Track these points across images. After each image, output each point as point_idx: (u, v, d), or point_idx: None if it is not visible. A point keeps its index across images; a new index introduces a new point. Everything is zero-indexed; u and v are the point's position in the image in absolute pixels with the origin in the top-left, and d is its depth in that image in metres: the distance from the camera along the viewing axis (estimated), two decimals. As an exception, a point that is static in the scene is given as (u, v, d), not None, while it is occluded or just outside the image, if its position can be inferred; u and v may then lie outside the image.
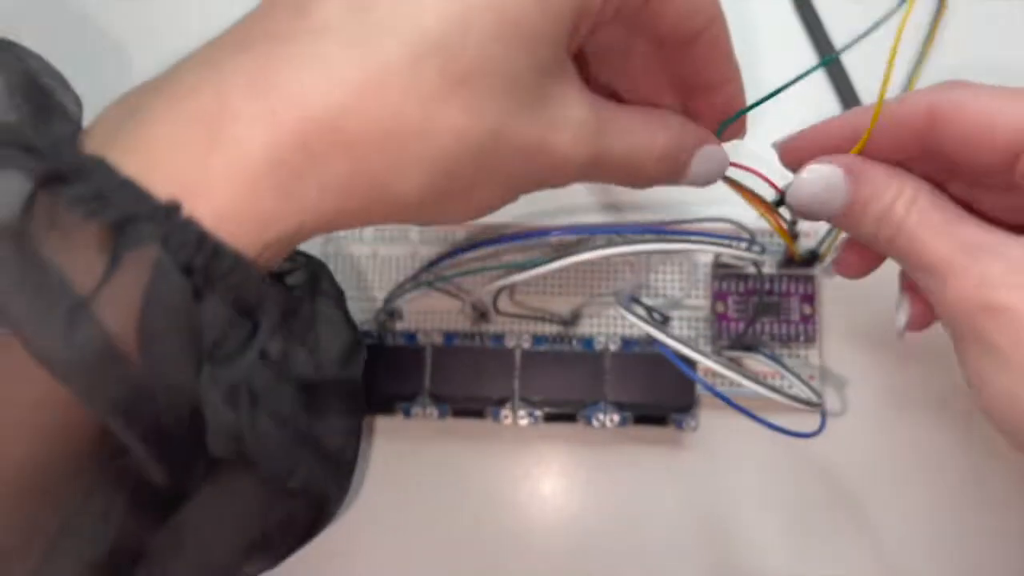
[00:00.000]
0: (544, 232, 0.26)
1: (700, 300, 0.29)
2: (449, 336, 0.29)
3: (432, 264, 0.28)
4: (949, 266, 0.20)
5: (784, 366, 0.27)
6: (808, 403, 0.24)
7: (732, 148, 0.23)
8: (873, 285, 0.29)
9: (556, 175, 0.21)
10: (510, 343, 0.29)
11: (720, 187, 0.26)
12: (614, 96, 0.24)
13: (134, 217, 0.16)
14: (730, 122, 0.23)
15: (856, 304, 0.29)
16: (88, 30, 0.32)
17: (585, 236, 0.28)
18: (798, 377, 0.26)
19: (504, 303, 0.29)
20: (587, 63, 0.23)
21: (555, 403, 0.28)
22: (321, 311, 0.24)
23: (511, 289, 0.29)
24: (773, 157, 0.23)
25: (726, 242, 0.26)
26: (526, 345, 0.29)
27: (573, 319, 0.29)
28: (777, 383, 0.27)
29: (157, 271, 0.16)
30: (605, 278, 0.29)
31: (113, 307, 0.16)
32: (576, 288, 0.29)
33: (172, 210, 0.16)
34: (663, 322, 0.28)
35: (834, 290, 0.29)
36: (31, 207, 0.16)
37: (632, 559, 0.28)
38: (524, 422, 0.28)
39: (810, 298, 0.28)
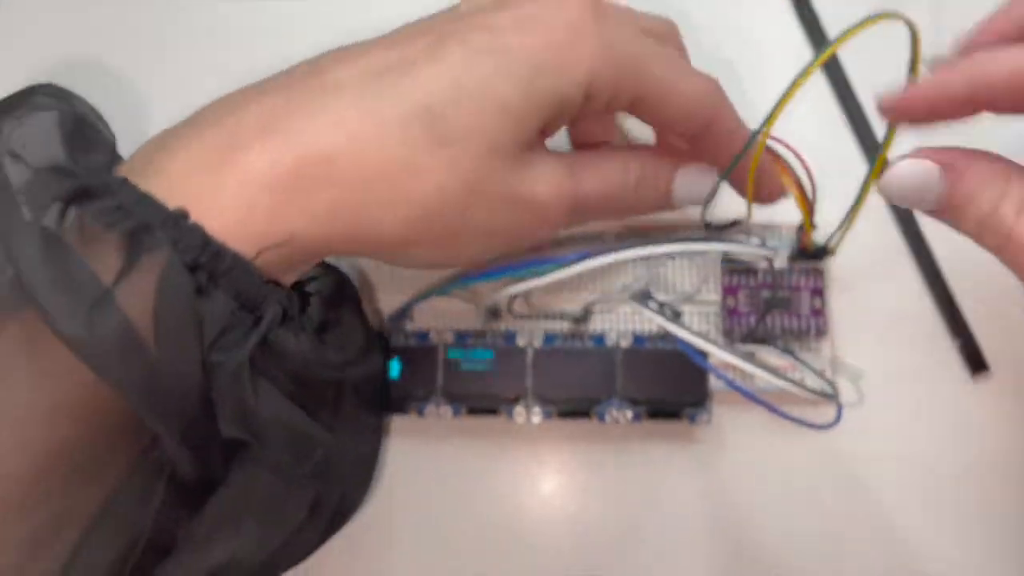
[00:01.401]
0: (560, 260, 0.26)
1: (711, 295, 0.29)
2: (460, 335, 0.29)
3: (451, 281, 0.28)
4: None
5: (797, 358, 0.27)
6: (823, 394, 0.24)
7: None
8: (883, 279, 0.30)
9: (540, 224, 0.24)
10: (522, 341, 0.29)
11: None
12: None
13: (149, 226, 0.19)
14: (731, 168, 0.24)
15: (866, 297, 0.29)
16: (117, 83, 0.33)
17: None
18: (811, 369, 0.26)
19: (517, 305, 0.29)
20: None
21: (568, 400, 0.28)
22: (343, 316, 0.26)
23: (525, 293, 0.29)
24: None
25: (737, 240, 0.26)
26: (538, 343, 0.29)
27: (584, 316, 0.29)
28: (791, 375, 0.27)
29: (167, 269, 0.19)
30: (616, 275, 0.29)
31: (131, 300, 0.18)
32: (587, 285, 0.29)
33: (180, 218, 0.19)
34: (675, 317, 0.28)
35: (844, 283, 0.29)
36: (62, 216, 0.19)
37: (647, 553, 0.28)
38: (537, 419, 0.28)
39: (819, 292, 0.29)
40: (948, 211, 0.20)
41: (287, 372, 0.22)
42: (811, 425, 0.24)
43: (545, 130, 0.23)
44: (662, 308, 0.28)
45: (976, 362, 0.29)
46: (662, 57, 0.23)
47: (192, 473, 0.21)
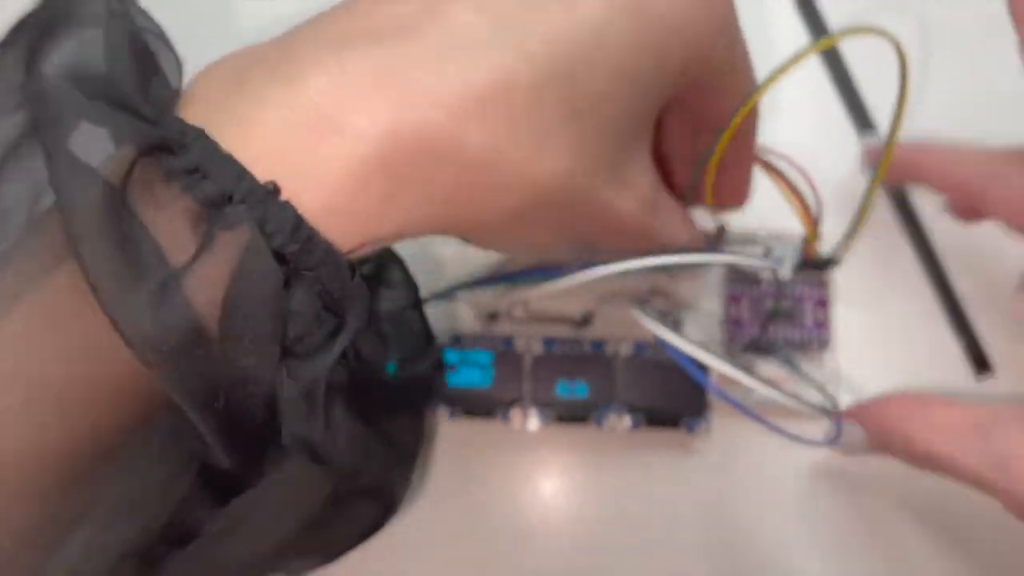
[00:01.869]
0: (561, 270, 0.25)
1: (714, 304, 0.29)
2: (457, 337, 0.29)
3: (460, 285, 0.28)
4: (987, 480, 0.21)
5: (798, 371, 0.27)
6: (823, 410, 0.24)
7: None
8: (889, 288, 0.29)
9: (608, 236, 0.21)
10: (520, 345, 0.28)
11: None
12: None
13: (231, 196, 0.15)
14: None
15: (871, 310, 0.29)
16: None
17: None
18: (812, 383, 0.26)
19: (516, 311, 0.29)
20: None
21: (566, 405, 0.28)
22: (386, 305, 0.23)
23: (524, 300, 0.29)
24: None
25: (741, 251, 0.26)
26: (537, 347, 0.28)
27: (585, 321, 0.29)
28: (791, 388, 0.27)
29: (249, 253, 0.15)
30: (619, 280, 0.29)
31: (201, 286, 0.15)
32: (588, 289, 0.29)
33: (270, 193, 0.16)
34: (676, 326, 0.28)
35: (848, 296, 0.29)
36: (130, 173, 0.15)
37: (641, 563, 0.28)
38: (534, 424, 0.28)
39: (824, 303, 0.28)
40: (886, 452, 0.24)
41: (350, 376, 0.19)
42: (809, 442, 0.24)
43: (652, 115, 0.20)
44: (663, 316, 0.27)
45: (980, 362, 0.29)
46: (746, 55, 0.21)
47: (227, 466, 0.18)
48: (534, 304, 0.29)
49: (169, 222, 0.15)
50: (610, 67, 0.17)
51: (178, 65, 0.18)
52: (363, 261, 0.19)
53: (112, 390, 0.16)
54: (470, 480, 0.29)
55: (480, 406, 0.28)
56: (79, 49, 0.16)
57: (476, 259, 0.29)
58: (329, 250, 0.16)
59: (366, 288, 0.19)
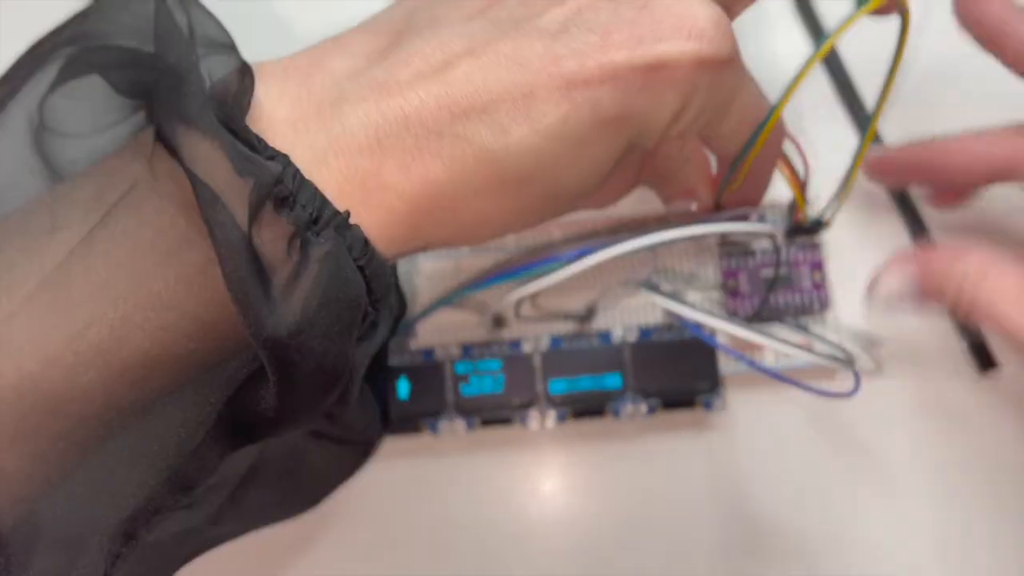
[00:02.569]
0: (559, 258, 0.26)
1: (711, 280, 0.29)
2: (467, 347, 0.29)
3: (454, 291, 0.28)
4: None
5: (807, 330, 0.27)
6: (840, 360, 0.24)
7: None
8: (880, 248, 0.30)
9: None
10: (528, 347, 0.28)
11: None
12: None
13: (318, 219, 0.19)
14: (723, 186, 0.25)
15: (866, 267, 0.30)
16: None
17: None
18: (823, 339, 0.26)
19: (524, 309, 0.29)
20: None
21: (581, 400, 0.28)
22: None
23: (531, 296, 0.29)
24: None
25: (734, 220, 0.26)
26: (544, 347, 0.28)
27: (588, 314, 0.29)
28: (805, 348, 0.27)
29: (338, 264, 0.19)
30: (615, 270, 0.29)
31: (302, 293, 0.19)
32: (589, 283, 0.29)
33: (346, 218, 0.20)
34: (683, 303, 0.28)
35: (840, 254, 0.29)
36: (259, 209, 0.19)
37: (670, 544, 0.28)
38: (552, 424, 0.28)
39: (819, 265, 0.29)
40: (931, 305, 0.24)
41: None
42: (831, 394, 0.24)
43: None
44: (671, 295, 0.28)
45: (984, 360, 0.29)
46: (750, 88, 0.23)
47: (275, 410, 0.20)
48: (538, 300, 0.29)
49: (273, 240, 0.19)
50: (566, 170, 0.21)
51: (250, 74, 0.21)
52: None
53: (196, 327, 0.19)
54: (493, 488, 0.29)
55: (496, 413, 0.28)
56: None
57: (470, 268, 0.29)
58: (382, 262, 0.21)
59: (397, 289, 0.23)
